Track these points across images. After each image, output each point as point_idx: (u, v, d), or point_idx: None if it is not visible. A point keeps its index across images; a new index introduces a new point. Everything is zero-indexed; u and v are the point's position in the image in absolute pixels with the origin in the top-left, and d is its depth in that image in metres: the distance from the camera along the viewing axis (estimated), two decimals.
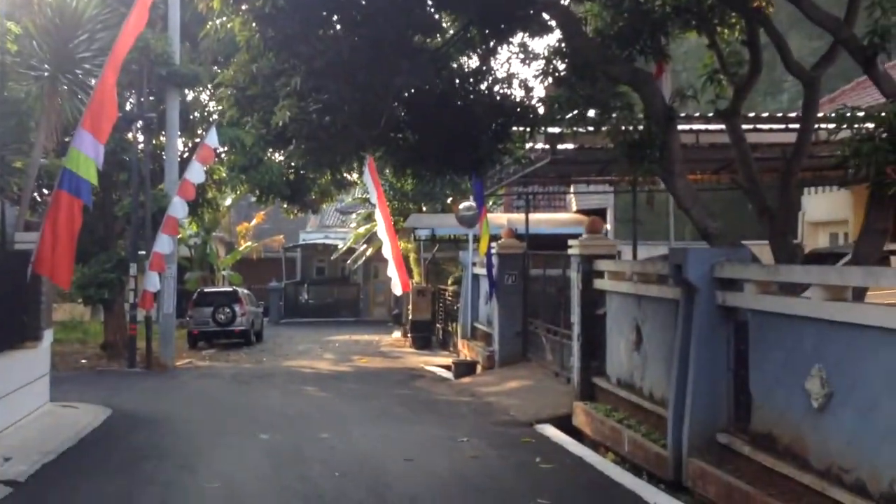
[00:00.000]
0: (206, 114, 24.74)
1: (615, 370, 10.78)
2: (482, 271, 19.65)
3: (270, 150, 10.52)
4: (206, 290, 28.72)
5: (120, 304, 21.19)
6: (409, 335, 26.68)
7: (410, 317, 26.20)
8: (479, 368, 17.65)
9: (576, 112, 10.57)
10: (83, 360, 20.21)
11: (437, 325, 26.28)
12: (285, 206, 28.11)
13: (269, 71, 9.92)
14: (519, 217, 23.10)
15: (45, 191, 18.20)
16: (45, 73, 12.49)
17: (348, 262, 41.46)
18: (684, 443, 8.01)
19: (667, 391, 8.97)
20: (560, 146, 12.12)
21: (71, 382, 15.05)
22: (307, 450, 9.80)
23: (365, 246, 38.46)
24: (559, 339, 14.74)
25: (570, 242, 12.13)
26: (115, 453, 9.72)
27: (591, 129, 10.79)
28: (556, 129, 11.70)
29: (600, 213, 21.76)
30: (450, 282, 26.91)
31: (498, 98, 10.51)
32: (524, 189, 18.91)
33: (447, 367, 19.64)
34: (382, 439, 10.55)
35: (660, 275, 9.39)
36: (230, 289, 28.73)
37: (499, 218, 23.19)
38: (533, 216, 23.02)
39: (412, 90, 9.45)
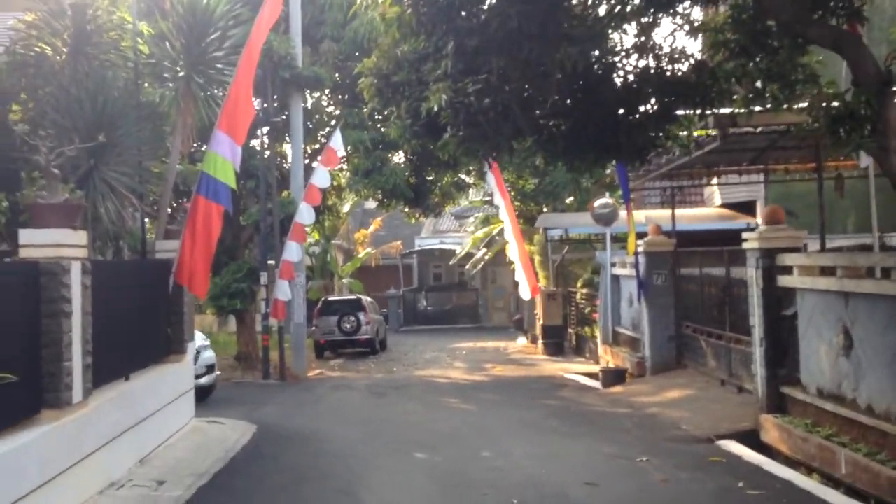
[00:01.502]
0: (326, 118, 24.34)
1: (813, 379, 9.45)
2: (623, 272, 18.44)
3: (419, 140, 9.56)
4: (331, 298, 28.36)
5: (251, 314, 20.89)
6: (539, 341, 25.57)
7: (541, 322, 25.08)
8: (627, 376, 16.40)
9: (753, 87, 9.47)
10: (219, 372, 19.91)
11: (570, 331, 25.08)
12: (406, 209, 27.52)
13: (416, 56, 9.09)
14: (656, 213, 21.74)
15: (180, 200, 17.98)
16: (180, 74, 12.00)
17: (466, 267, 40.69)
18: None
19: (894, 403, 7.66)
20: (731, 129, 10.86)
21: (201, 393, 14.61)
22: (472, 472, 8.88)
23: (485, 250, 37.65)
24: (724, 343, 13.42)
25: (747, 235, 10.84)
26: (271, 475, 9.02)
27: (769, 106, 9.68)
28: (727, 110, 10.54)
29: (748, 206, 20.22)
30: (579, 284, 25.63)
31: (667, 74, 9.33)
32: (669, 182, 17.61)
33: (589, 375, 18.48)
34: (550, 458, 9.53)
35: (882, 268, 8.07)
36: (354, 297, 28.24)
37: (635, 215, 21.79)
38: (667, 213, 21.64)
39: (576, 66, 8.42)
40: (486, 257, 38.18)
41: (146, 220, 12.48)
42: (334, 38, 22.62)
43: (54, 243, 7.39)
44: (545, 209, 33.84)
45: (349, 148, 21.60)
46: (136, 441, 9.30)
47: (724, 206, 21.15)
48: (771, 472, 8.58)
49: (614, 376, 16.13)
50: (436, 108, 7.89)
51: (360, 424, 12.46)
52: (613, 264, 18.97)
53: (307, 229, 20.95)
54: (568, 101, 9.07)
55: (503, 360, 23.88)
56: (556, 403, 14.49)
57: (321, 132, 24.39)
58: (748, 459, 9.23)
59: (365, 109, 11.44)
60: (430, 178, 25.60)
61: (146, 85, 12.06)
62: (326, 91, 24.02)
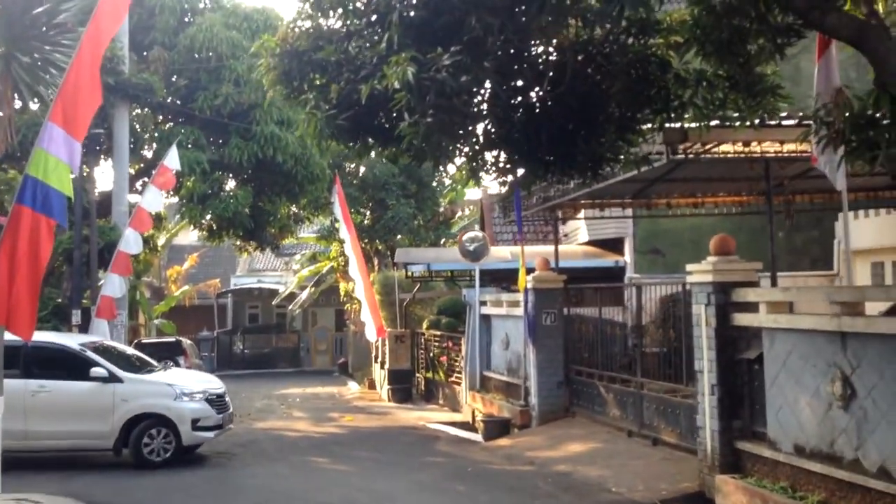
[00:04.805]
0: (152, 135, 21.48)
1: (788, 434, 8.18)
2: (496, 311, 17.00)
3: (336, 140, 7.50)
4: (145, 341, 25.10)
5: None
6: (384, 387, 23.66)
7: (388, 366, 23.18)
8: (510, 427, 14.81)
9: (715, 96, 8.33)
10: None
11: (418, 375, 23.32)
12: (238, 242, 24.97)
13: (342, 32, 7.19)
14: (515, 250, 20.55)
15: None
16: None
17: (290, 307, 38.23)
18: None
19: None
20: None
21: (10, 460, 11.53)
22: None
23: (312, 289, 35.43)
24: (634, 389, 12.13)
25: (692, 268, 9.56)
26: None
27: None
28: (677, 124, 9.30)
29: (616, 244, 19.42)
30: (425, 325, 24.02)
31: (631, 73, 7.87)
32: (552, 215, 16.40)
33: (454, 424, 16.88)
34: None
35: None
36: (173, 339, 25.22)
37: (497, 251, 20.50)
38: (530, 249, 20.57)
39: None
40: (314, 297, 35.95)
41: None
42: (166, 45, 20.05)
43: None
44: (380, 246, 32.22)
45: (185, 170, 18.98)
46: None
47: (590, 243, 20.26)
48: None
49: (497, 427, 14.49)
50: (396, 87, 5.95)
51: (223, 498, 10.03)
52: (483, 303, 17.49)
53: (134, 260, 18.07)
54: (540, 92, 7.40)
55: (347, 407, 21.81)
56: (443, 461, 12.64)
57: (144, 150, 21.55)
58: None
59: (267, 96, 9.12)
60: (268, 208, 23.28)
61: None
62: (146, 109, 21.30)
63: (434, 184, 31.53)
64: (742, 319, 8.91)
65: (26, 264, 8.51)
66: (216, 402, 13.10)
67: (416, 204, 29.46)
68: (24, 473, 11.14)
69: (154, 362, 14.13)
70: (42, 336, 13.36)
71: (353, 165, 30.02)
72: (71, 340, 13.26)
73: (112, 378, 12.32)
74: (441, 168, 7.89)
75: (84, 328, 16.91)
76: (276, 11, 22.98)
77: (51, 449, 12.48)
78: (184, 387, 12.81)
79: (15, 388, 11.76)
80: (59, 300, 18.38)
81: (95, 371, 12.25)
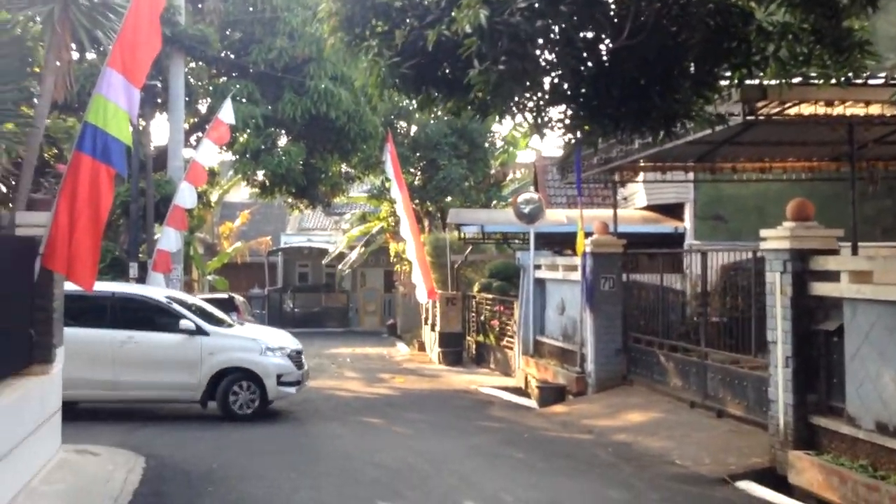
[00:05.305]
0: (207, 88, 21.32)
1: (870, 410, 7.76)
2: (551, 275, 16.63)
3: (399, 90, 7.15)
4: (199, 296, 25.19)
5: None
6: (435, 349, 23.50)
7: (438, 329, 23.02)
8: (565, 394, 14.51)
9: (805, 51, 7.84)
10: None
11: (469, 339, 23.12)
12: (290, 199, 24.86)
13: None
14: (573, 213, 20.12)
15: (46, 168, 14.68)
16: None
17: (339, 267, 38.22)
18: None
19: None
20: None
21: (70, 411, 11.57)
22: None
23: (362, 249, 35.30)
24: (697, 359, 11.74)
25: (767, 233, 9.09)
26: None
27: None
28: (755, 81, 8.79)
29: (676, 209, 18.88)
30: (476, 288, 23.78)
31: (710, 23, 7.39)
32: (611, 177, 15.92)
33: (507, 389, 16.60)
34: None
35: None
36: (226, 296, 25.19)
37: (552, 214, 20.06)
38: (587, 212, 20.14)
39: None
40: (363, 257, 35.84)
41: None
42: None
43: None
44: (430, 207, 31.93)
45: (239, 125, 18.81)
46: None
47: (649, 207, 19.73)
48: None
49: (553, 393, 14.21)
50: (467, 31, 5.60)
51: (281, 454, 9.92)
52: (538, 267, 17.13)
53: (188, 214, 18.05)
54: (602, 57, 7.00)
55: (397, 369, 21.67)
56: (498, 426, 12.41)
57: (198, 104, 21.45)
58: None
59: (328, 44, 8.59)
60: (319, 166, 23.09)
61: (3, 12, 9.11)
62: (200, 62, 21.12)
63: (486, 145, 31.09)
64: (821, 289, 8.46)
65: (87, 213, 8.38)
66: (295, 358, 13.24)
67: (468, 165, 29.04)
68: (88, 425, 11.26)
69: (228, 318, 14.10)
70: (129, 288, 13.78)
71: (404, 125, 29.69)
72: (157, 293, 13.41)
73: (199, 331, 12.46)
74: (511, 118, 7.45)
75: (141, 281, 16.97)
76: None
77: (139, 399, 12.72)
78: (267, 342, 12.94)
79: (103, 339, 12.10)
80: (117, 253, 18.44)
81: (183, 324, 12.39)
